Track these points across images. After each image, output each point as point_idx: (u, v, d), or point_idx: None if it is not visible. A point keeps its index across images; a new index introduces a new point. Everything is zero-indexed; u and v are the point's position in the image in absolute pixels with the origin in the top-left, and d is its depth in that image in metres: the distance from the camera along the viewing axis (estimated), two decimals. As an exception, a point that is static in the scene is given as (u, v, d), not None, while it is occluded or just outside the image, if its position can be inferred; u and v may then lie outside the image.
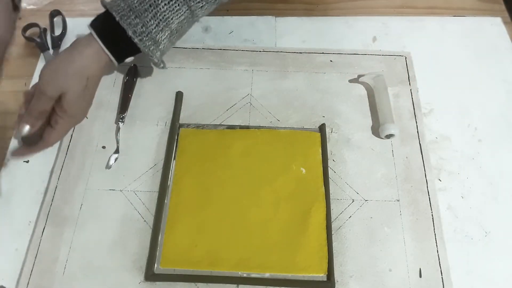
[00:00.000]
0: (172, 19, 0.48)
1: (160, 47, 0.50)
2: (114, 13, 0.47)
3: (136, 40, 0.47)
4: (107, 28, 0.48)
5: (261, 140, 0.55)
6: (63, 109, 0.48)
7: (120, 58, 0.50)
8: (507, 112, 0.59)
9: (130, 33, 0.47)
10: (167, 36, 0.49)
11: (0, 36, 0.50)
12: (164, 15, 0.48)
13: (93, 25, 0.48)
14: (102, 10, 0.67)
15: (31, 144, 0.51)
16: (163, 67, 0.53)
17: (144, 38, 0.48)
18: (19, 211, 0.51)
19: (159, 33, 0.48)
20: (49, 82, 0.47)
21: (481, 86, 0.61)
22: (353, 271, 0.48)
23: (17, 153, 0.53)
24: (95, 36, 0.47)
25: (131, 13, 0.47)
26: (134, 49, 0.49)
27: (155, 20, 0.47)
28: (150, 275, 0.46)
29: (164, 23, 0.48)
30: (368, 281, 0.47)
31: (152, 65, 0.54)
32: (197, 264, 0.47)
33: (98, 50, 0.48)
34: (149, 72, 0.61)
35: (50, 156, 0.54)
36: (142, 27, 0.47)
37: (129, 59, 0.52)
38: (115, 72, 0.61)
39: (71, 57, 0.48)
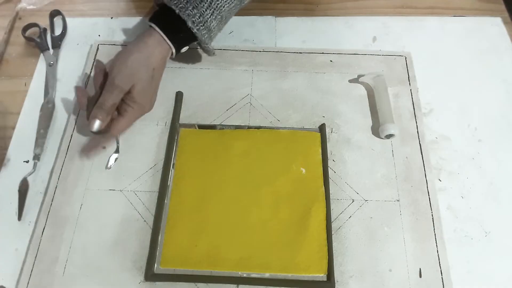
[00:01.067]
0: (224, 7, 0.52)
1: (211, 35, 0.53)
2: (173, 6, 0.50)
3: (195, 30, 0.50)
4: (166, 21, 0.51)
5: (261, 140, 0.55)
6: (133, 99, 0.50)
7: (178, 49, 0.53)
8: (507, 112, 0.59)
9: (189, 23, 0.50)
10: (217, 23, 0.53)
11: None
12: (218, 3, 0.51)
13: (151, 20, 0.52)
14: (101, 10, 0.68)
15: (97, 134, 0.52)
16: (214, 54, 0.57)
17: (201, 27, 0.51)
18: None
19: (212, 21, 0.51)
20: (122, 74, 0.49)
21: (481, 86, 0.61)
22: (353, 271, 0.48)
23: (88, 147, 0.54)
24: (157, 28, 0.51)
25: (189, 4, 0.50)
26: (189, 39, 0.52)
27: (210, 9, 0.51)
28: (150, 275, 0.46)
29: (217, 11, 0.51)
30: (368, 281, 0.47)
31: (203, 52, 0.58)
32: (197, 264, 0.47)
33: (160, 41, 0.51)
34: (149, 72, 0.61)
35: (50, 156, 0.54)
36: (199, 17, 0.50)
37: (184, 49, 0.55)
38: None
39: (138, 48, 0.50)
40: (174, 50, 0.53)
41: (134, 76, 0.50)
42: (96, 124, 0.48)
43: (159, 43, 0.51)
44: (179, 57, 0.62)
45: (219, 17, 0.52)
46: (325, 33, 0.66)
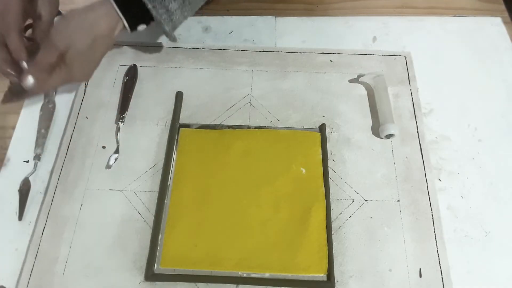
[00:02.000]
0: None
1: (172, 17, 0.51)
2: None
3: (149, 6, 0.48)
4: None
5: (261, 140, 0.55)
6: (65, 61, 0.49)
7: (132, 25, 0.50)
8: (507, 112, 0.59)
9: None
10: (179, 6, 0.50)
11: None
12: None
13: None
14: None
15: (19, 92, 0.50)
16: (174, 40, 0.54)
17: (158, 6, 0.49)
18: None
19: (171, 2, 0.49)
20: (59, 33, 0.48)
21: (481, 86, 0.61)
22: (353, 271, 0.48)
23: (6, 100, 0.52)
24: None
25: None
26: (147, 17, 0.50)
27: None
28: (150, 275, 0.46)
29: None
30: (368, 281, 0.47)
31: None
32: (197, 264, 0.47)
33: (110, 11, 0.49)
34: (149, 72, 0.61)
35: (50, 156, 0.54)
36: None
37: (141, 27, 0.52)
38: (115, 72, 0.61)
39: (84, 13, 0.49)
40: (126, 25, 0.50)
41: (71, 38, 0.48)
42: (30, 81, 0.47)
43: (108, 13, 0.48)
44: (179, 57, 0.62)
45: (180, 0, 0.50)
46: (325, 33, 0.66)
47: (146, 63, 0.62)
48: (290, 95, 0.59)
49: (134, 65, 0.61)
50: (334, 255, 0.48)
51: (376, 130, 0.56)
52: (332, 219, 0.50)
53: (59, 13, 0.65)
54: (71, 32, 0.48)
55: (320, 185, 0.52)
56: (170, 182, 0.52)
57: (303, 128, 0.56)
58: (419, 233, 0.50)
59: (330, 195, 0.52)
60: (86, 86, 0.59)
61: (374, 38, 0.66)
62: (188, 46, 0.64)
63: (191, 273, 0.47)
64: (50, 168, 0.53)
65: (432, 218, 0.51)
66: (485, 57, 0.64)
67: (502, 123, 0.58)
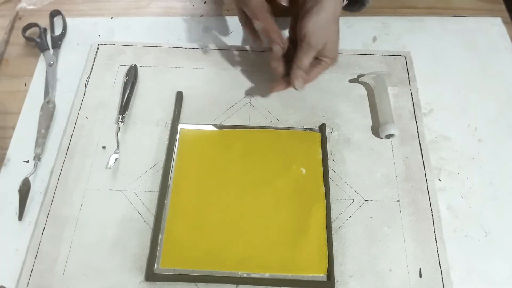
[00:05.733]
0: None
1: None
2: None
3: None
4: None
5: (261, 140, 0.55)
6: (325, 55, 0.53)
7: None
8: (507, 112, 0.59)
9: None
10: None
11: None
12: None
13: None
14: (101, 10, 0.68)
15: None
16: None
17: None
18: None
19: None
20: (317, 36, 0.50)
21: (481, 86, 0.61)
22: (353, 271, 0.48)
23: (278, 87, 0.56)
24: None
25: None
26: None
27: None
28: (150, 275, 0.46)
29: None
30: (368, 281, 0.47)
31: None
32: (197, 264, 0.47)
33: None
34: (149, 72, 0.61)
35: (50, 156, 0.54)
36: None
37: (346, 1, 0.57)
38: (115, 72, 0.61)
39: (323, 7, 0.50)
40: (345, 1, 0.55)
41: (327, 36, 0.51)
42: (301, 83, 0.53)
43: None
44: (179, 57, 0.62)
45: None
46: (325, 33, 0.66)
47: (146, 63, 0.62)
48: (290, 95, 0.59)
49: (134, 65, 0.61)
50: (334, 255, 0.48)
51: (376, 130, 0.56)
52: (332, 219, 0.50)
53: (58, 12, 0.66)
54: (325, 31, 0.51)
55: (320, 185, 0.52)
56: (170, 182, 0.52)
57: (303, 128, 0.56)
58: (419, 233, 0.50)
59: (330, 195, 0.52)
60: (86, 86, 0.59)
61: (374, 38, 0.66)
62: (188, 46, 0.64)
63: (191, 273, 0.47)
64: (50, 168, 0.53)
65: (432, 218, 0.51)
66: (485, 57, 0.64)
67: (502, 123, 0.58)
